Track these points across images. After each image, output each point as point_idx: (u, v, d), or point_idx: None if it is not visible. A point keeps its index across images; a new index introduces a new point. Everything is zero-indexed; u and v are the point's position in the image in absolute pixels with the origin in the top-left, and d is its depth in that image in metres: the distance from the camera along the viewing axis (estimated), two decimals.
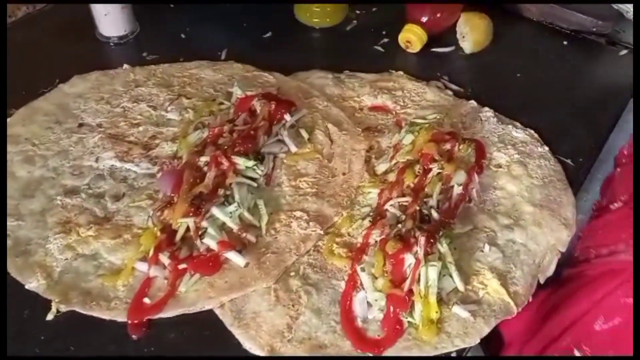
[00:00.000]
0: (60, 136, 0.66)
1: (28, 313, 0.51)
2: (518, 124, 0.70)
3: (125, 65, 0.77)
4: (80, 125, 0.68)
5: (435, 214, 0.56)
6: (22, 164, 0.63)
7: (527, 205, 0.60)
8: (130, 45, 0.83)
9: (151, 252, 0.53)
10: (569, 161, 0.67)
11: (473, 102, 0.73)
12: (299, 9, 0.87)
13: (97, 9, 0.79)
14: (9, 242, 0.56)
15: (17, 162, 0.63)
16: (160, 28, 0.86)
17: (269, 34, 0.85)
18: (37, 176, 0.62)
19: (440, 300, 0.51)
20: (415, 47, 0.80)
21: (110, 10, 0.79)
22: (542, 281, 0.56)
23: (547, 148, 0.67)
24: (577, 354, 0.55)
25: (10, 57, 0.80)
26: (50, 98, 0.71)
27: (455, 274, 0.52)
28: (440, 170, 0.60)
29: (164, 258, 0.52)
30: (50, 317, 0.50)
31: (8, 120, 0.68)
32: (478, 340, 0.50)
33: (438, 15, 0.81)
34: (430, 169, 0.60)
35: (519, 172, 0.63)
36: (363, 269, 0.52)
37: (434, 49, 0.83)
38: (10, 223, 0.57)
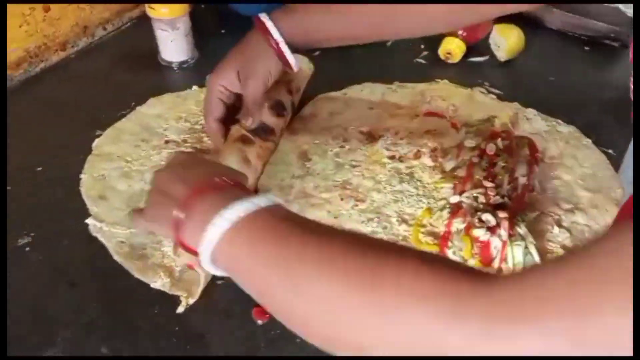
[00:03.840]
0: (149, 152, 0.72)
1: (158, 309, 0.56)
2: (560, 121, 0.78)
3: (194, 87, 0.83)
4: (167, 142, 0.74)
5: (508, 202, 0.63)
6: (120, 178, 0.69)
7: (583, 190, 0.68)
8: (191, 69, 0.89)
9: None
10: (610, 151, 0.74)
11: (516, 104, 0.80)
12: None
13: (164, 36, 0.85)
14: (126, 248, 0.61)
15: (116, 177, 0.69)
16: (217, 54, 0.92)
17: (317, 52, 0.92)
18: (138, 189, 0.67)
19: None
20: (456, 57, 0.88)
21: (176, 38, 0.85)
22: None
23: (590, 140, 0.75)
24: None
25: (82, 84, 0.86)
26: (132, 119, 0.77)
27: (534, 252, 0.59)
28: (505, 164, 0.67)
29: None
30: (180, 310, 0.56)
31: (98, 140, 0.74)
32: None
33: (474, 27, 0.89)
34: (495, 164, 0.67)
35: (570, 162, 0.71)
36: (454, 253, 0.59)
37: (470, 59, 0.90)
38: (123, 231, 0.63)
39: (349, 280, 0.36)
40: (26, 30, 0.86)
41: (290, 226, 0.40)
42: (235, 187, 0.46)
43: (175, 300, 0.56)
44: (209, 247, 0.41)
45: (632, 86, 0.60)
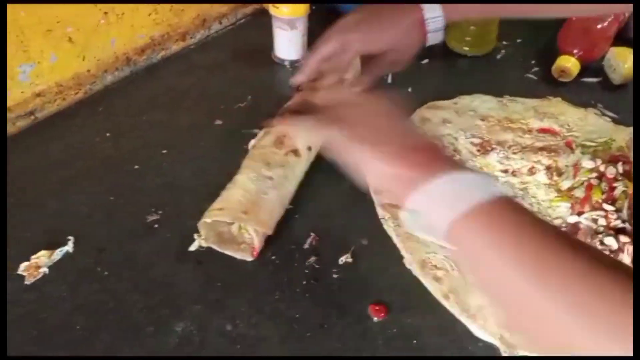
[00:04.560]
0: None
1: (278, 294, 0.59)
2: None
3: None
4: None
5: (629, 227, 0.62)
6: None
7: None
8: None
9: None
10: None
11: (632, 129, 0.79)
12: (452, 38, 0.95)
13: (282, 35, 0.88)
14: None
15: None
16: None
17: (425, 61, 0.93)
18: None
19: None
20: (570, 76, 0.87)
21: (293, 37, 0.88)
22: None
23: None
24: None
25: (200, 74, 0.91)
26: None
27: None
28: (625, 189, 0.66)
29: None
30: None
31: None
32: None
33: (590, 48, 0.87)
34: (615, 187, 0.66)
35: None
36: None
37: (583, 79, 0.89)
38: None
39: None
40: (154, 19, 0.91)
41: (528, 220, 0.40)
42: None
43: (295, 290, 0.59)
44: (449, 217, 0.41)
45: None
